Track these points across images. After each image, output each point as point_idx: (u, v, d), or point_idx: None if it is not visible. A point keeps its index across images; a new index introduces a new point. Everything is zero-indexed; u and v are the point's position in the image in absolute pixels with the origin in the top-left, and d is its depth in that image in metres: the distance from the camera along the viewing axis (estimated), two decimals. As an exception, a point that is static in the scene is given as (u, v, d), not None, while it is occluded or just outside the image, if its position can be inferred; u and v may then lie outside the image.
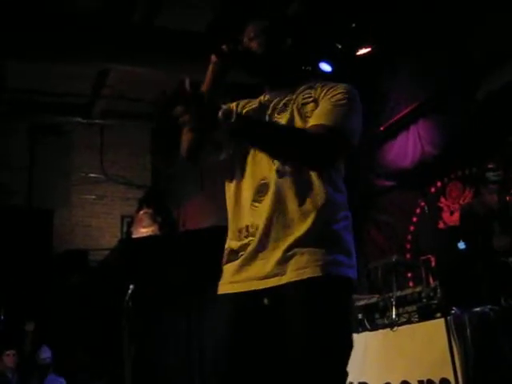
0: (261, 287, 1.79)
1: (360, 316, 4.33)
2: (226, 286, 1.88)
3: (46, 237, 8.10)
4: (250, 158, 1.93)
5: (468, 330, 3.34)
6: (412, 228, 6.14)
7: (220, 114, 1.72)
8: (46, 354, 6.55)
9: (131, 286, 3.44)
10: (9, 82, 7.67)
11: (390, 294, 4.14)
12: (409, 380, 3.68)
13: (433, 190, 5.83)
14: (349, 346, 1.78)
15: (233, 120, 1.73)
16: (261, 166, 1.90)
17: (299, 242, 1.78)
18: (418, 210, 6.01)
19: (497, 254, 3.87)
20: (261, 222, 1.83)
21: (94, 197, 9.01)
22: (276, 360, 1.77)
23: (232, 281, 1.86)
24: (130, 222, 8.53)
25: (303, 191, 1.84)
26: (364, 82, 6.49)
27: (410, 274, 5.42)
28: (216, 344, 1.85)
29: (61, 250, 8.21)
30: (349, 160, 2.03)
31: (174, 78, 6.47)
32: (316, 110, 1.90)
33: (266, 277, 1.78)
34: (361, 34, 6.01)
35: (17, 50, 6.32)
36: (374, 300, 4.34)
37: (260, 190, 1.87)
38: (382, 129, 6.50)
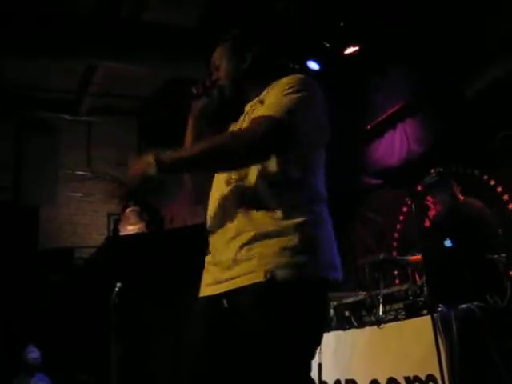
0: (217, 292, 1.83)
1: (347, 313, 4.35)
2: (202, 290, 1.95)
3: (32, 234, 8.03)
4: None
5: (454, 327, 3.36)
6: (399, 226, 6.17)
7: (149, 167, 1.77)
8: (34, 354, 6.48)
9: (118, 284, 3.43)
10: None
11: (377, 292, 4.16)
12: (395, 376, 3.70)
13: (419, 188, 5.85)
14: (302, 352, 1.75)
15: (156, 167, 1.76)
16: (221, 177, 1.94)
17: (246, 247, 1.78)
18: (404, 209, 6.04)
19: (483, 252, 3.89)
20: (216, 230, 1.89)
21: (80, 194, 8.95)
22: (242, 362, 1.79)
23: (203, 284, 1.94)
24: (116, 219, 8.49)
25: (247, 196, 1.83)
26: (351, 80, 6.52)
27: (396, 272, 5.44)
28: (190, 346, 1.92)
29: (47, 248, 8.15)
30: (336, 158, 2.02)
31: (162, 75, 6.45)
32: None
33: (220, 281, 1.83)
34: (349, 32, 6.02)
35: (5, 46, 6.28)
36: (361, 297, 4.36)
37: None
38: (369, 127, 6.52)
